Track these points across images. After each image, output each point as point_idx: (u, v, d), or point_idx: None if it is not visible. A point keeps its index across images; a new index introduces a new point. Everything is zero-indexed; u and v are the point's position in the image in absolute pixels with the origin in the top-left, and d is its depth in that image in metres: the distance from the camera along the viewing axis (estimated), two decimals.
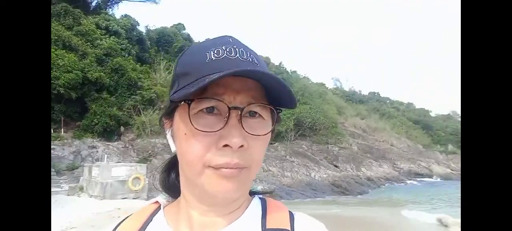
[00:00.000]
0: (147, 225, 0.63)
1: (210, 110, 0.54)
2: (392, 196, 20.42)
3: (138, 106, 19.31)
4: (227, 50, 0.55)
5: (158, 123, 0.67)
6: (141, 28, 28.04)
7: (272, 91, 0.55)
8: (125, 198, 12.11)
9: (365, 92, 59.76)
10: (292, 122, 26.83)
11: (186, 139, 0.54)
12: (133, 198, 12.09)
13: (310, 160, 25.43)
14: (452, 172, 34.58)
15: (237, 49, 0.56)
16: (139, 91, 20.66)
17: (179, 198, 0.64)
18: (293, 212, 0.63)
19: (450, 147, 44.25)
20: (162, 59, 25.72)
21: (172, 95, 0.56)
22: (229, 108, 0.52)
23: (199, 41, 0.70)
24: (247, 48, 0.58)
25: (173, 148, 0.60)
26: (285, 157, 24.15)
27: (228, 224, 0.58)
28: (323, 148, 28.72)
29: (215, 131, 0.52)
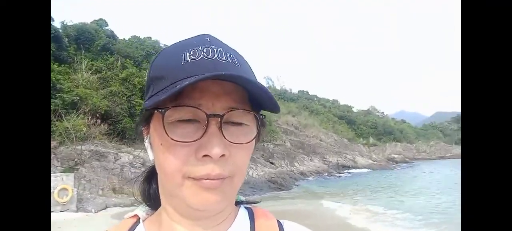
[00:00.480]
0: None
1: (187, 118, 0.49)
2: (318, 188, 21.76)
3: (59, 111, 17.31)
4: (204, 50, 0.51)
5: (134, 131, 0.61)
6: (57, 24, 25.25)
7: (255, 95, 0.51)
8: (51, 211, 10.71)
9: (295, 90, 62.58)
10: None
11: (163, 150, 0.51)
12: (61, 211, 10.80)
13: None
14: (374, 162, 38.10)
15: (215, 49, 0.51)
16: (59, 94, 18.54)
17: (159, 210, 0.60)
18: (281, 221, 0.61)
19: (371, 140, 48.80)
20: (83, 58, 23.40)
21: (146, 101, 0.52)
22: (208, 116, 0.48)
23: (174, 42, 0.60)
24: (227, 48, 0.54)
25: (151, 157, 0.56)
26: None
27: None
28: (259, 146, 29.23)
29: (193, 141, 0.49)
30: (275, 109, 0.53)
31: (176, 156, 0.49)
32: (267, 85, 59.21)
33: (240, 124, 0.52)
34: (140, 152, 15.10)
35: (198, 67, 0.49)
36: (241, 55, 0.55)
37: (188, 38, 0.55)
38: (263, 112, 0.56)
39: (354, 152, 40.75)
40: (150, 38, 33.86)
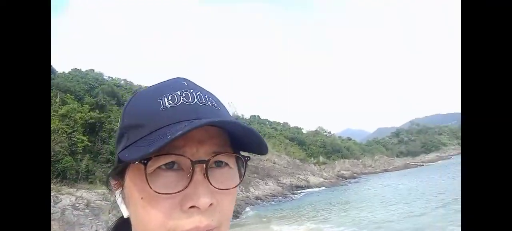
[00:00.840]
0: None
1: (170, 166, 0.46)
2: (271, 212, 21.96)
3: None
4: (183, 95, 0.49)
5: (105, 185, 0.56)
6: None
7: (238, 137, 0.50)
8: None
9: (247, 116, 63.27)
10: None
11: (144, 204, 0.46)
12: None
13: None
14: (325, 180, 39.45)
15: (194, 93, 0.50)
16: None
17: None
18: None
19: (321, 158, 50.58)
20: None
21: (121, 152, 0.48)
22: (193, 163, 0.46)
23: (146, 86, 0.62)
24: (204, 91, 0.52)
25: (125, 214, 0.52)
26: None
27: None
28: None
29: (178, 192, 0.45)
30: (261, 150, 0.51)
31: (159, 210, 0.45)
32: None
33: (224, 167, 0.50)
34: (84, 192, 14.07)
35: (179, 113, 0.47)
36: (216, 97, 0.54)
37: (163, 82, 0.53)
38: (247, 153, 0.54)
39: (306, 171, 41.87)
40: (93, 70, 32.42)
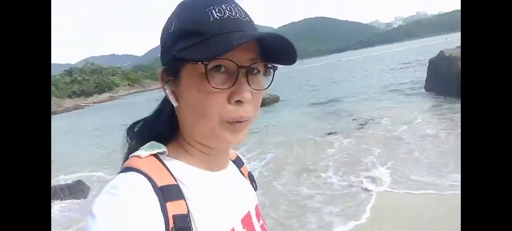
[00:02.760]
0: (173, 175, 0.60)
1: (217, 68, 0.57)
2: None
3: None
4: (228, 9, 0.58)
5: (158, 77, 0.64)
6: None
7: (270, 49, 0.59)
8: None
9: None
10: None
11: (200, 95, 0.57)
12: None
13: None
14: None
15: (235, 8, 0.59)
16: None
17: (172, 146, 0.65)
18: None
19: None
20: None
21: (182, 52, 0.57)
22: (239, 67, 0.57)
23: None
24: (239, 6, 0.60)
25: (175, 103, 0.62)
26: None
27: (228, 164, 0.73)
28: None
29: (228, 88, 0.57)
30: (291, 60, 0.60)
31: (214, 101, 0.57)
32: None
33: (257, 73, 0.61)
34: None
35: (229, 24, 0.56)
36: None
37: None
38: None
39: None
40: None
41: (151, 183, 0.55)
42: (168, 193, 0.56)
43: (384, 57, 56.03)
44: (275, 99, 16.99)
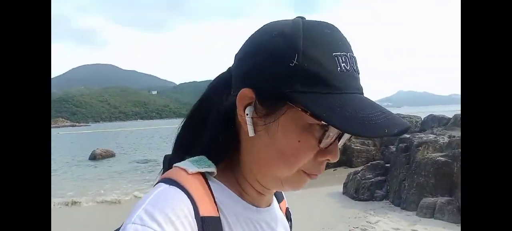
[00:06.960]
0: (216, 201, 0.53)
1: (326, 127, 0.50)
2: None
3: None
4: (350, 60, 0.50)
5: (238, 96, 0.53)
6: None
7: None
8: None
9: None
10: None
11: (298, 146, 0.51)
12: None
13: None
14: None
15: (353, 59, 0.51)
16: None
17: (224, 169, 0.57)
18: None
19: None
20: None
21: (301, 97, 0.48)
22: (344, 132, 0.52)
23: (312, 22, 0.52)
24: (355, 57, 0.53)
25: (251, 133, 0.53)
26: None
27: (272, 203, 0.65)
28: None
29: (326, 148, 0.52)
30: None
31: (308, 155, 0.52)
32: None
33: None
34: None
35: (349, 81, 0.49)
36: None
37: (331, 31, 0.52)
38: None
39: None
40: None
41: (194, 209, 0.48)
42: (208, 227, 0.49)
43: None
44: None
